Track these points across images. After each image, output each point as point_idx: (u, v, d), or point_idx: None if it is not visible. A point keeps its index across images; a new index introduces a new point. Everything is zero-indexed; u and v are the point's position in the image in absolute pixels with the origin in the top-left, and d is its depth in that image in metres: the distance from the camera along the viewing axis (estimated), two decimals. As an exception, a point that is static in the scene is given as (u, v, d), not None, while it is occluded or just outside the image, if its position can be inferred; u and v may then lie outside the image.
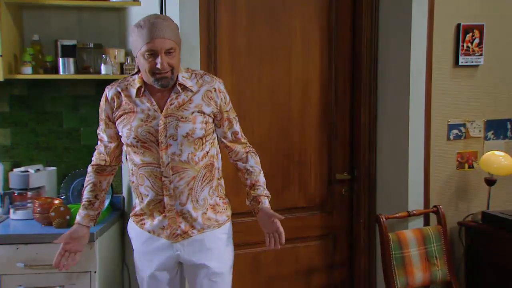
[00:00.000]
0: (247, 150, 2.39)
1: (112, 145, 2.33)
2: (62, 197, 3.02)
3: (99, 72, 2.95)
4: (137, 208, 2.32)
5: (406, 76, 3.10)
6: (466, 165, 3.31)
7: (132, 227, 2.38)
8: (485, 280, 3.18)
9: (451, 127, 3.24)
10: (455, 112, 3.24)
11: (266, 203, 2.33)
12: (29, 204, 2.88)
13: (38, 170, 2.98)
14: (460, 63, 3.19)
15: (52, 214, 2.67)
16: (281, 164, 3.20)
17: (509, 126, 3.39)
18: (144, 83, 2.22)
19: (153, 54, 2.11)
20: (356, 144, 3.33)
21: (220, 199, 2.35)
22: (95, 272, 2.59)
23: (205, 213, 2.28)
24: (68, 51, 2.90)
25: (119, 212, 3.08)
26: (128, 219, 2.42)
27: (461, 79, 3.23)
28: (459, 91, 3.23)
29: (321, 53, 3.23)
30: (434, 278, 3.05)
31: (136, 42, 2.14)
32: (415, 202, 3.16)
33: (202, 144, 2.24)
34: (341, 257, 3.41)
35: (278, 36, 3.13)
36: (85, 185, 2.36)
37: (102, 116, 2.30)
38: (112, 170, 2.40)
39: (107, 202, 2.89)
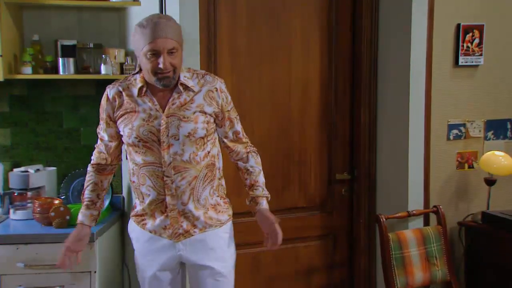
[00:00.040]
0: (248, 150, 2.39)
1: (113, 144, 2.32)
2: (62, 197, 3.02)
3: (99, 72, 2.95)
4: (138, 208, 2.32)
5: (406, 76, 3.10)
6: (466, 165, 3.31)
7: (133, 227, 2.37)
8: (485, 280, 3.18)
9: (451, 127, 3.24)
10: (455, 112, 3.24)
11: (264, 204, 2.34)
12: (29, 204, 2.87)
13: (38, 170, 2.98)
14: (460, 63, 3.19)
15: (52, 214, 2.67)
16: (281, 164, 3.20)
17: (509, 126, 3.39)
18: (146, 82, 2.22)
19: (155, 54, 2.11)
20: (356, 144, 3.33)
21: (221, 199, 2.35)
22: (95, 272, 2.59)
23: (206, 213, 2.28)
24: (68, 51, 2.90)
25: (119, 212, 3.08)
26: (128, 219, 2.42)
27: (461, 79, 3.23)
28: (459, 91, 3.24)
29: (321, 53, 3.23)
30: (434, 278, 3.05)
31: (139, 41, 2.14)
32: (415, 202, 3.16)
33: (204, 144, 2.24)
34: (341, 257, 3.41)
35: (278, 36, 3.13)
36: (85, 185, 2.36)
37: (103, 115, 2.30)
38: (113, 169, 2.40)
39: (107, 202, 2.89)
